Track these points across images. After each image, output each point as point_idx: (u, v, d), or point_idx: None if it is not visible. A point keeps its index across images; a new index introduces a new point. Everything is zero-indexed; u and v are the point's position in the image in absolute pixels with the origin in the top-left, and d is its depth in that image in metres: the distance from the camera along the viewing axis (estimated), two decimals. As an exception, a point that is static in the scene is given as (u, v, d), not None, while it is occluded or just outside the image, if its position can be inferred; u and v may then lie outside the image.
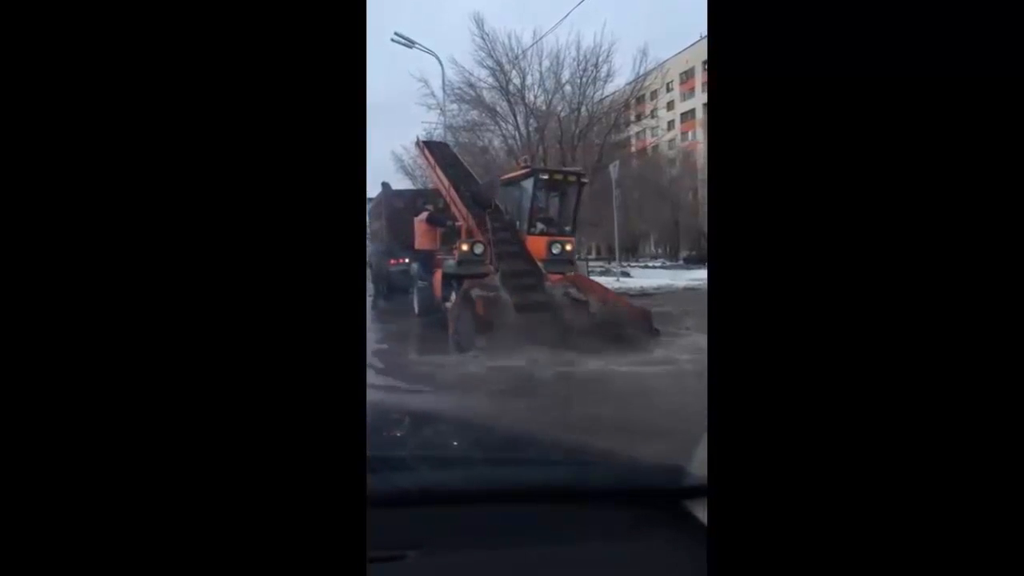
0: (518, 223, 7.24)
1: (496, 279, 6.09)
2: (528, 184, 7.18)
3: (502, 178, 7.82)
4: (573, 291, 6.04)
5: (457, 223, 7.27)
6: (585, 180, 7.60)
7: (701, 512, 0.57)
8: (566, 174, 7.44)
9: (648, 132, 28.54)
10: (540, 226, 7.22)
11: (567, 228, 7.35)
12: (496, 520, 0.60)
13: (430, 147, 9.16)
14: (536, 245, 6.78)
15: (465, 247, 6.56)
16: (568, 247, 6.98)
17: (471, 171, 8.67)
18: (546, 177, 7.18)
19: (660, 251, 32.65)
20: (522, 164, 7.93)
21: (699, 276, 14.01)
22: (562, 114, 18.75)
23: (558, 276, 6.36)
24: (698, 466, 0.59)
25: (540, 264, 6.44)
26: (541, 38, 17.14)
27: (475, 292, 5.69)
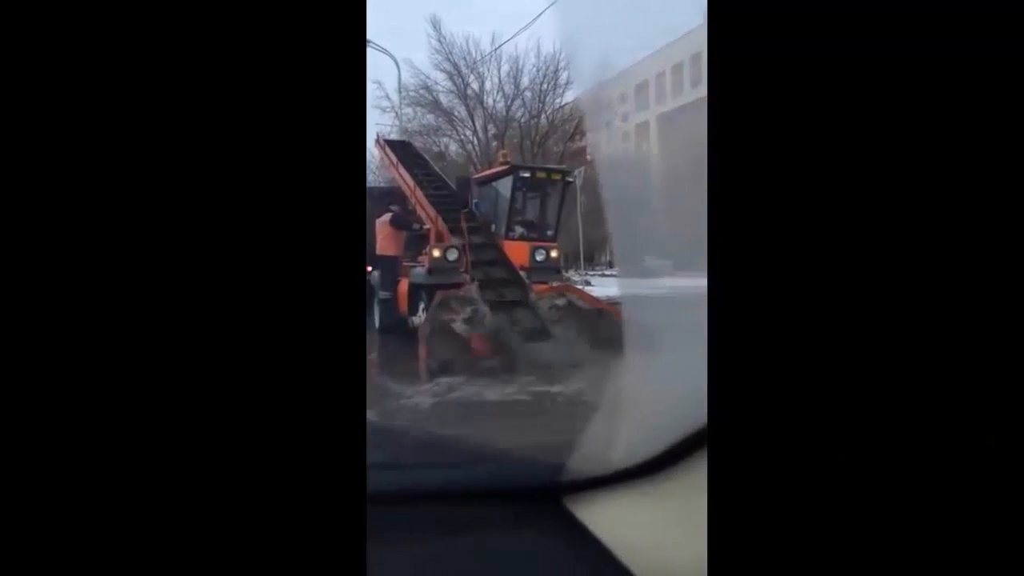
0: (494, 226, 6.44)
1: (473, 290, 5.26)
2: (507, 183, 6.40)
3: (476, 176, 7.00)
4: (562, 303, 5.27)
5: (425, 226, 6.41)
6: (571, 179, 6.89)
7: (576, 507, 0.59)
8: (550, 172, 6.72)
9: (604, 141, 28.43)
10: (519, 230, 6.46)
11: (549, 232, 6.60)
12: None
13: (392, 146, 8.29)
14: (516, 251, 5.99)
15: (437, 253, 5.69)
16: (553, 254, 6.22)
17: (440, 172, 7.82)
18: (527, 175, 6.45)
19: (612, 259, 32.40)
20: (501, 161, 7.13)
21: (663, 284, 13.53)
22: (522, 120, 18.34)
23: (544, 286, 5.57)
24: (578, 462, 0.62)
25: (522, 273, 5.64)
26: (501, 45, 16.61)
27: (453, 306, 4.84)
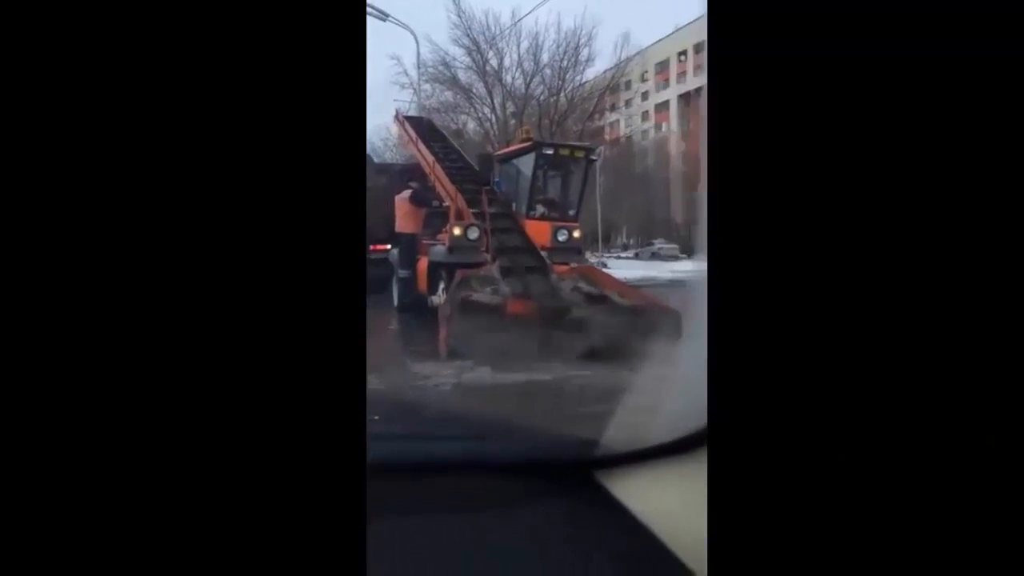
0: (514, 205, 6.31)
1: (494, 270, 5.16)
2: (529, 160, 6.25)
3: (497, 153, 6.86)
4: (584, 285, 5.16)
5: (445, 204, 6.29)
6: (595, 157, 6.72)
7: (608, 481, 0.61)
8: (573, 149, 6.55)
9: (623, 121, 28.18)
10: (541, 209, 6.32)
11: (571, 212, 6.45)
12: (401, 493, 0.59)
13: (411, 122, 8.16)
14: (538, 231, 5.87)
15: (457, 231, 5.58)
16: (576, 234, 6.07)
17: (459, 149, 7.67)
18: (551, 152, 6.28)
19: (631, 242, 32.11)
20: (523, 137, 6.96)
21: (678, 268, 13.34)
22: (541, 98, 18.09)
23: (565, 267, 5.46)
24: (610, 438, 0.63)
25: (543, 253, 5.52)
26: (520, 19, 16.32)
27: (474, 286, 4.75)
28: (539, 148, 6.26)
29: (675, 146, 31.86)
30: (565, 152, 6.42)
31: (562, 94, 18.16)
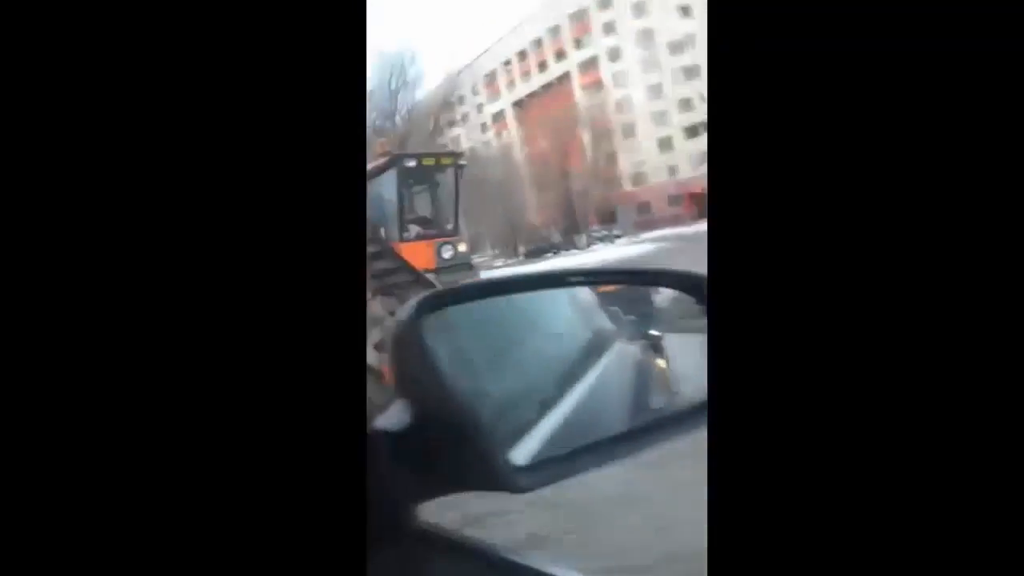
0: (383, 230, 5.58)
1: (376, 306, 4.43)
2: (390, 178, 5.55)
3: (352, 176, 6.08)
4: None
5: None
6: (464, 163, 6.15)
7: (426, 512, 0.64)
8: (439, 157, 5.96)
9: (464, 135, 28.34)
10: (415, 229, 5.64)
11: (449, 226, 5.84)
12: None
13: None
14: (417, 253, 5.19)
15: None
16: (462, 247, 5.47)
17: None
18: (413, 164, 5.64)
19: (497, 251, 32.31)
20: (379, 152, 6.22)
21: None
22: (376, 123, 17.48)
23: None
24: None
25: (431, 276, 4.86)
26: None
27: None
28: (400, 162, 5.60)
29: (518, 152, 32.50)
30: (430, 162, 5.82)
31: (397, 116, 17.65)
